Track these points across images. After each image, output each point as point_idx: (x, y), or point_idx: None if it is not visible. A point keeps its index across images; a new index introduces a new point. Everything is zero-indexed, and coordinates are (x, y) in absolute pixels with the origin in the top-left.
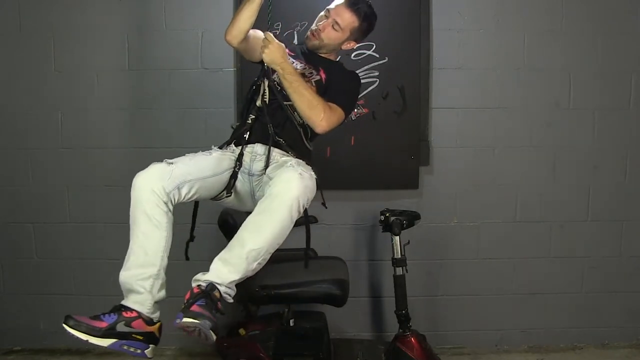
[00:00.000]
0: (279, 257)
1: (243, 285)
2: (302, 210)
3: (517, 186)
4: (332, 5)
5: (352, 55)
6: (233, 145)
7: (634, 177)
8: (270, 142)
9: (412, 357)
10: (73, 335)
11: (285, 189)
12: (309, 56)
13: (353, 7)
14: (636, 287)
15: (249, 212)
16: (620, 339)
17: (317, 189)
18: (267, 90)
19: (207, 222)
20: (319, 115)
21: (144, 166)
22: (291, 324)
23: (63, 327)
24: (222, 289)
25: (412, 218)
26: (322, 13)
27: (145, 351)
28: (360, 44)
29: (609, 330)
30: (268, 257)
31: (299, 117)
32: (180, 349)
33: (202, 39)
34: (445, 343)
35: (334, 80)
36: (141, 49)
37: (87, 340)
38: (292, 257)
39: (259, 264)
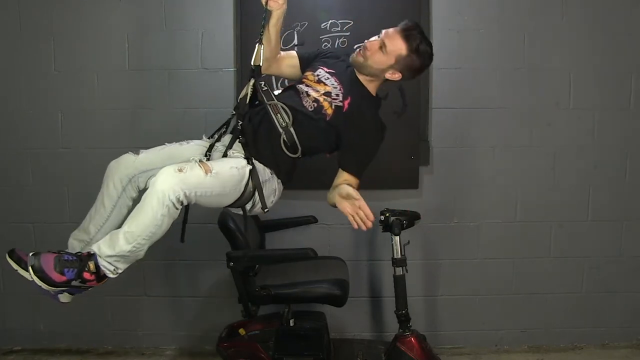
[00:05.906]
0: (279, 257)
1: (243, 285)
2: (174, 201)
3: (517, 186)
4: (390, 29)
5: None
6: (216, 137)
7: (634, 177)
8: (233, 136)
9: (412, 357)
10: (10, 264)
11: (154, 181)
12: (349, 79)
13: (405, 35)
14: (636, 287)
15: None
16: (620, 339)
17: (253, 192)
18: (249, 91)
19: (207, 222)
20: None
21: None
22: (291, 324)
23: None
24: (99, 260)
25: (412, 218)
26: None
27: (59, 295)
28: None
29: (609, 330)
30: (144, 242)
31: (283, 120)
32: (180, 348)
33: (202, 39)
34: (445, 343)
35: (353, 135)
36: (141, 49)
37: (17, 270)
38: (292, 257)
39: (134, 247)
